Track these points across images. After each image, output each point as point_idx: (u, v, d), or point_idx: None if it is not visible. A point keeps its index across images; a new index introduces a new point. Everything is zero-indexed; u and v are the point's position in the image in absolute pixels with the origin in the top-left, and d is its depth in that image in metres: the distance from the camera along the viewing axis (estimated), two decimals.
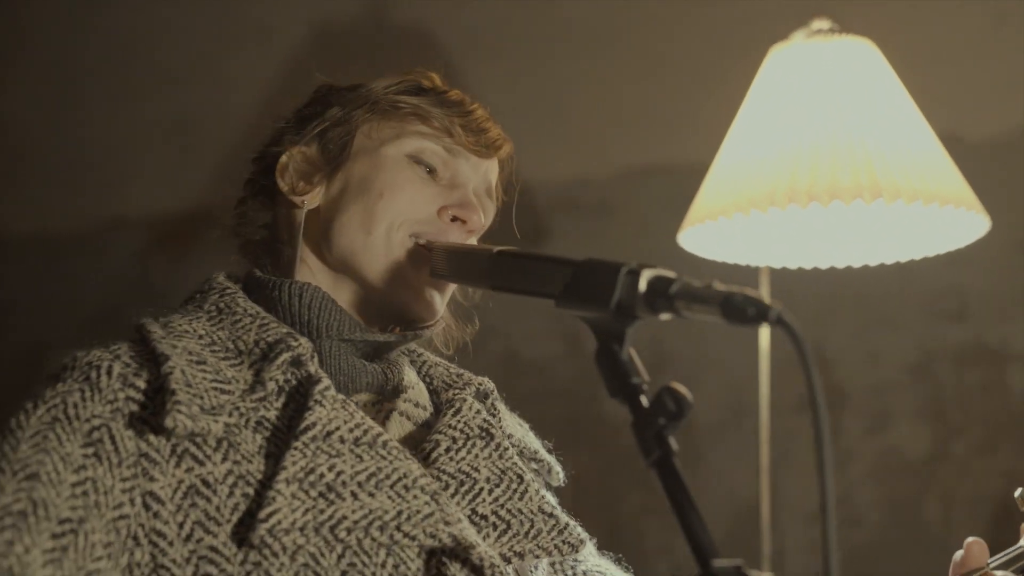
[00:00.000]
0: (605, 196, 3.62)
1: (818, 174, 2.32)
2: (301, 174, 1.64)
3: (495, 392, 1.68)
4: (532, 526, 1.55)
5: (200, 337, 1.49)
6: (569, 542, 1.58)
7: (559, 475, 1.73)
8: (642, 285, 1.26)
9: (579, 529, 1.61)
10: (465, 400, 1.61)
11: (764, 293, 2.81)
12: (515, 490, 1.57)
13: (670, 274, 1.26)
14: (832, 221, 2.63)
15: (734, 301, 1.15)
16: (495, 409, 1.66)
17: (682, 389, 1.19)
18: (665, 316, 1.26)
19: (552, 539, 1.56)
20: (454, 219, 1.62)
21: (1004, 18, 3.34)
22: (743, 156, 2.45)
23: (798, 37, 2.51)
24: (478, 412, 1.61)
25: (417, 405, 1.62)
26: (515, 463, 1.60)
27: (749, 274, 2.93)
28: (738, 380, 3.37)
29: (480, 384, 1.67)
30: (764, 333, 2.81)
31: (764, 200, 2.29)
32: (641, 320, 1.27)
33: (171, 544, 1.35)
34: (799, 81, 2.47)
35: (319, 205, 1.63)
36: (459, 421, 1.58)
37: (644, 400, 1.23)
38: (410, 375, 1.65)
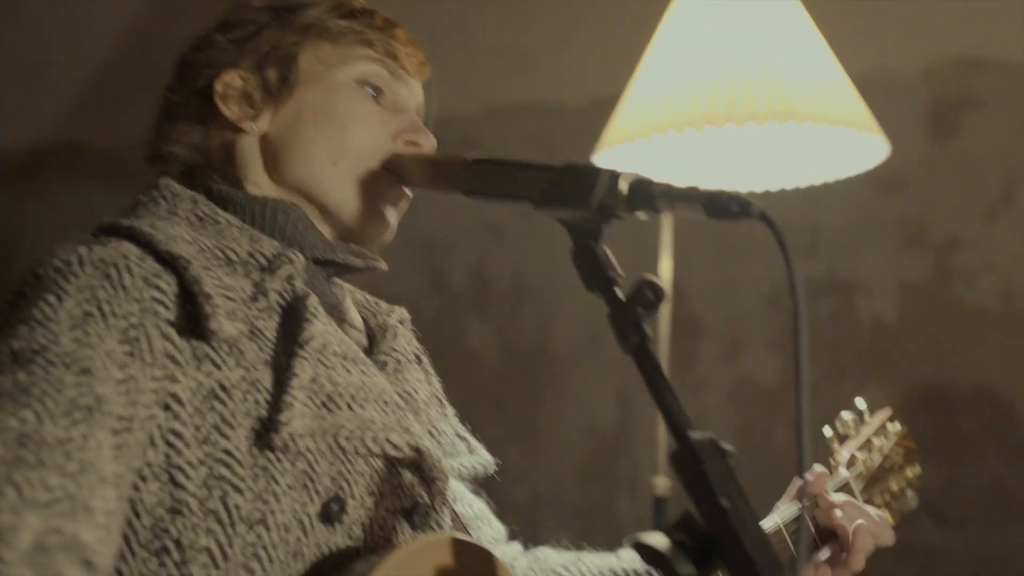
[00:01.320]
0: (468, 133, 3.65)
1: (733, 99, 2.43)
2: (244, 98, 1.61)
3: (409, 320, 1.73)
4: (454, 447, 1.62)
5: (189, 243, 1.46)
6: (481, 463, 1.65)
7: None
8: (623, 186, 1.33)
9: (486, 453, 1.68)
10: (397, 327, 1.66)
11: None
12: (440, 412, 1.65)
13: (649, 177, 1.34)
14: (741, 146, 2.76)
15: (719, 199, 1.24)
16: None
17: (659, 280, 1.27)
18: (642, 215, 1.34)
19: (469, 460, 1.63)
20: (407, 143, 1.63)
21: None
22: (657, 84, 2.56)
23: None
24: (409, 339, 1.68)
25: (353, 327, 1.64)
26: (437, 388, 1.68)
27: None
28: (595, 310, 3.46)
29: (401, 312, 1.72)
30: (666, 262, 2.91)
31: (682, 122, 2.40)
32: (618, 219, 1.34)
33: (187, 446, 1.35)
34: (710, 15, 2.58)
35: (267, 130, 1.61)
36: (399, 344, 1.64)
37: (619, 292, 1.31)
38: (347, 299, 1.68)
